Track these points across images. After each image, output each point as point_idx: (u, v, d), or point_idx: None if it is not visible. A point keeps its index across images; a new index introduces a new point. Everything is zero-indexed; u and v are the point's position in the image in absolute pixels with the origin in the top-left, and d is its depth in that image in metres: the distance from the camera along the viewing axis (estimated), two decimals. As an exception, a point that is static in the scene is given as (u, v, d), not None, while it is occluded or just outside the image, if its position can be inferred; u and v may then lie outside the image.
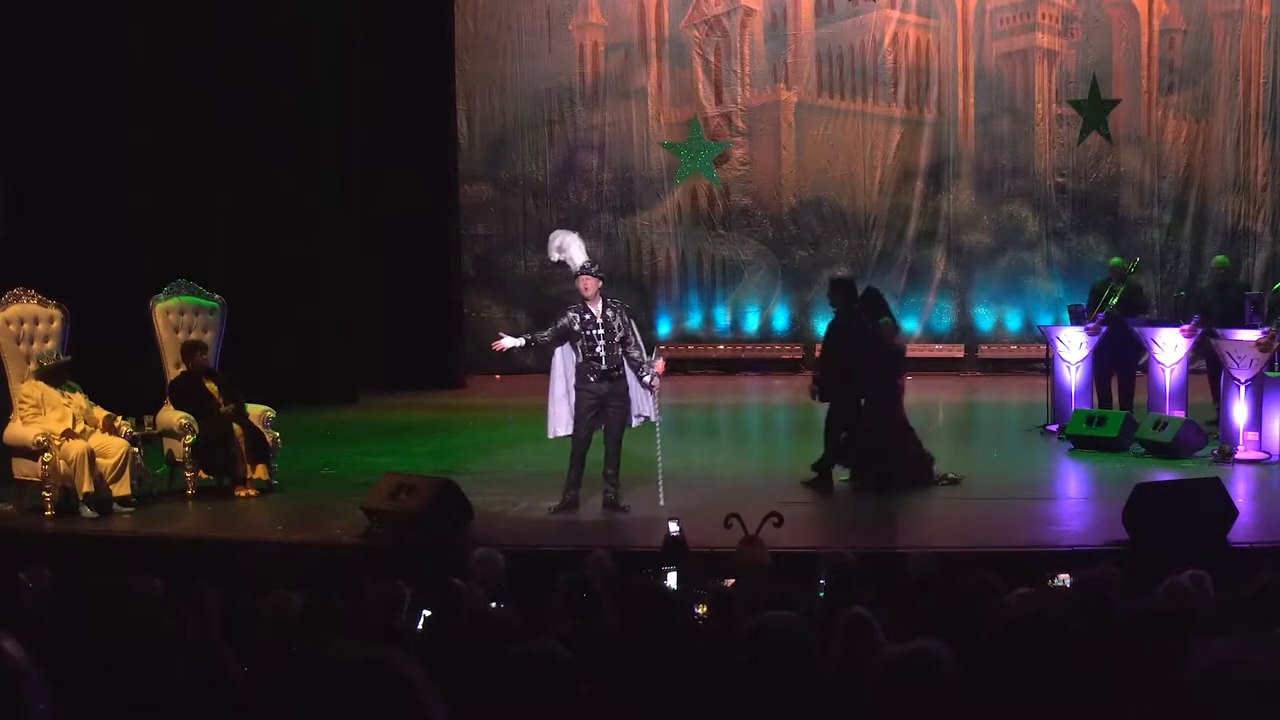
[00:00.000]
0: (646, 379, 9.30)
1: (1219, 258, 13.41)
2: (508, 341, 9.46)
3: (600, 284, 9.28)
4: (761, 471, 11.32)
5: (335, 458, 11.60)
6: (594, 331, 9.17)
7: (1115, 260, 13.27)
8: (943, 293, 17.37)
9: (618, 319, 9.22)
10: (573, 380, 9.37)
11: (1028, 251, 17.23)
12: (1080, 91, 16.95)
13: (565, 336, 9.30)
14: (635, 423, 9.46)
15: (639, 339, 9.46)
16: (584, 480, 9.35)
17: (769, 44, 17.34)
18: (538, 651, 3.09)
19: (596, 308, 9.22)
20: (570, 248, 9.47)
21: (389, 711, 2.27)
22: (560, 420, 9.49)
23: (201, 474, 10.14)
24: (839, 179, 17.36)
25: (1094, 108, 16.90)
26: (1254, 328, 11.22)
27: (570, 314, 9.29)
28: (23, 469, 9.66)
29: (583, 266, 9.30)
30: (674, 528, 8.47)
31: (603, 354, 9.15)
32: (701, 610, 5.40)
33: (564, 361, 9.48)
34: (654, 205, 17.53)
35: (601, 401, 9.22)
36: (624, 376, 9.29)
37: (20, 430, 9.62)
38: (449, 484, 8.88)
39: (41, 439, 9.43)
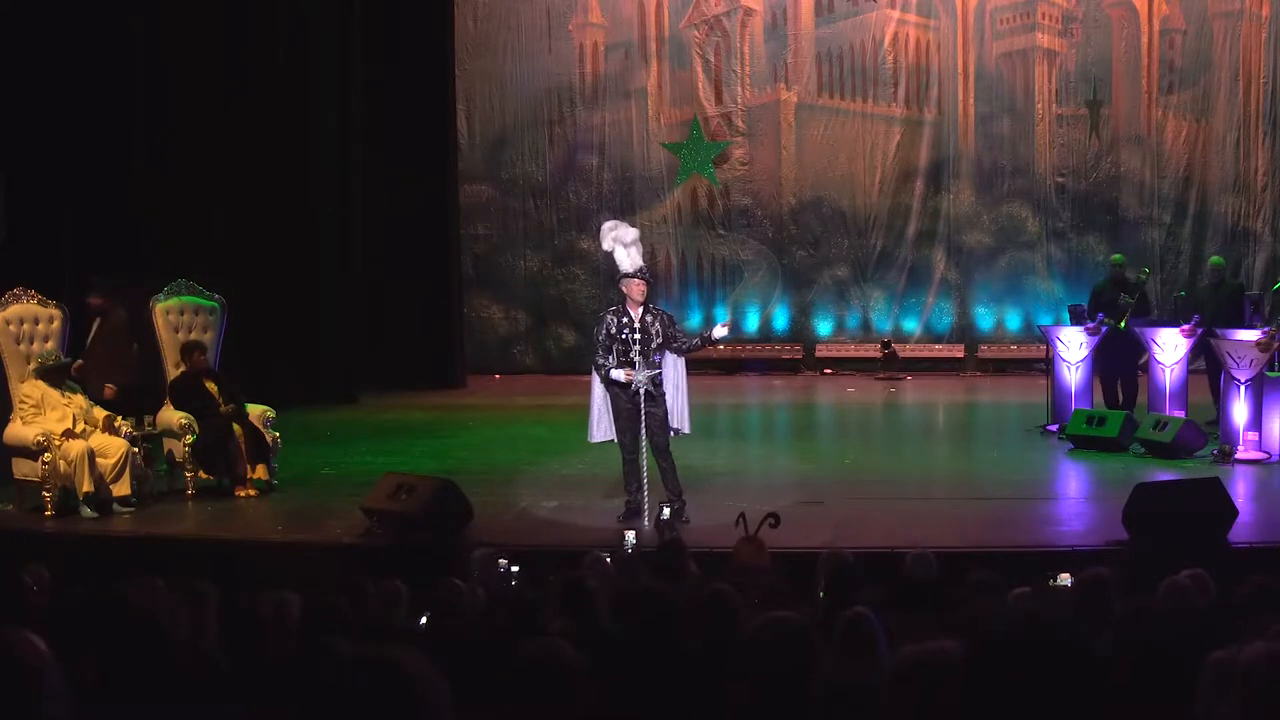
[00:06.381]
0: (715, 331, 9.07)
1: (1214, 258, 13.42)
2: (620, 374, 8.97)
3: (646, 289, 9.02)
4: (761, 472, 11.32)
5: (335, 458, 11.61)
6: (630, 336, 8.88)
7: (1116, 257, 13.29)
8: (943, 293, 17.38)
9: (656, 325, 8.95)
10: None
11: (1028, 251, 17.24)
12: (1080, 91, 16.98)
13: (612, 343, 8.98)
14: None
15: (684, 333, 9.22)
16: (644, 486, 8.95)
17: (769, 44, 17.34)
18: (544, 651, 3.09)
19: (636, 313, 8.93)
20: (628, 244, 9.10)
21: (397, 709, 2.28)
22: (599, 425, 9.27)
23: (201, 474, 10.14)
24: (839, 179, 17.37)
25: (1091, 107, 16.97)
26: (1254, 328, 11.22)
27: (608, 318, 9.03)
28: (23, 469, 9.66)
29: (639, 270, 9.03)
30: (665, 512, 8.52)
31: (637, 360, 8.85)
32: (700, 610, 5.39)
33: None
34: (654, 205, 17.53)
35: (636, 406, 8.91)
36: (660, 384, 8.99)
37: (20, 430, 9.61)
38: (449, 484, 8.87)
39: (41, 439, 9.43)
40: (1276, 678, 2.47)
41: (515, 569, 6.83)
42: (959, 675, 2.85)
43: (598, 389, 9.22)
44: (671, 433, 9.14)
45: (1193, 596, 5.23)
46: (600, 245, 9.51)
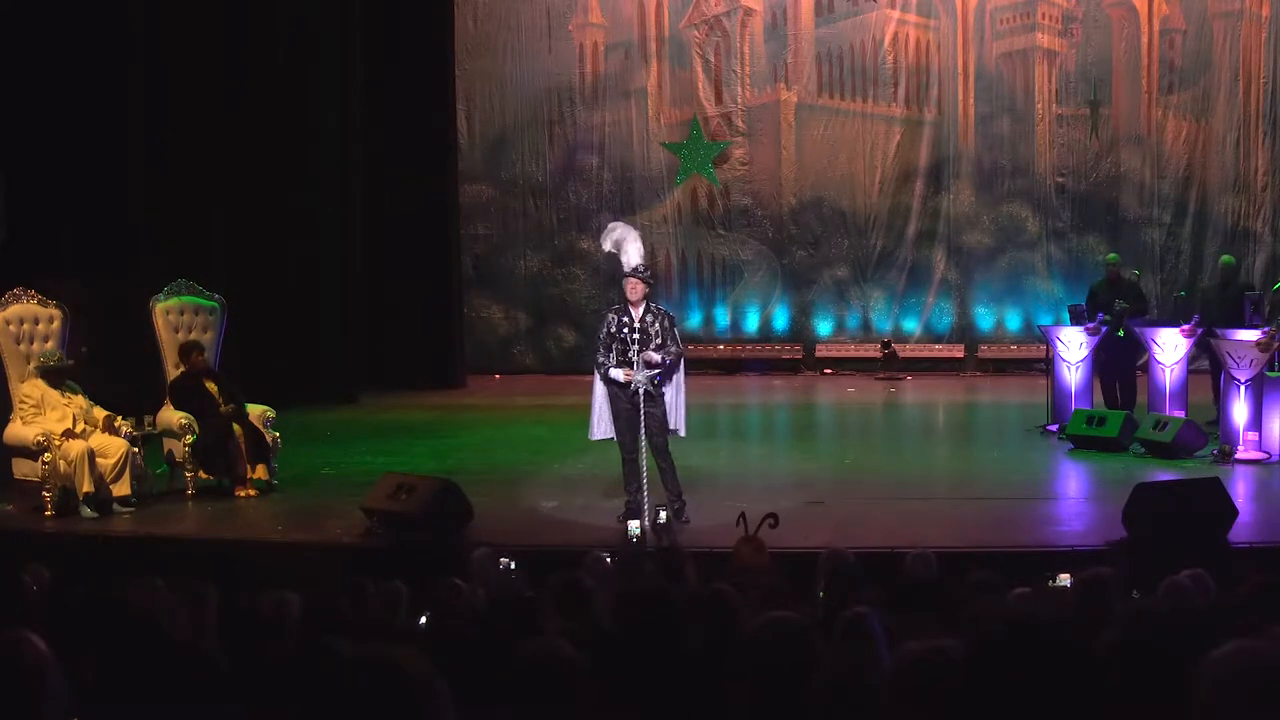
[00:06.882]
0: (652, 357, 8.86)
1: (1225, 257, 13.40)
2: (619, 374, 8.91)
3: (647, 289, 8.96)
4: (761, 472, 11.31)
5: (335, 458, 11.61)
6: (629, 335, 8.85)
7: (1111, 256, 13.30)
8: (943, 293, 17.38)
9: (656, 325, 8.90)
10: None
11: (1028, 251, 17.24)
12: (1080, 91, 16.99)
13: (612, 341, 8.94)
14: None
15: (677, 343, 9.09)
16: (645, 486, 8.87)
17: (769, 44, 17.34)
18: (544, 651, 3.09)
19: (637, 312, 8.89)
20: (627, 244, 9.04)
21: (397, 709, 2.28)
22: (600, 423, 9.21)
23: (201, 474, 10.14)
24: (839, 179, 17.37)
25: (1091, 107, 16.98)
26: (1254, 328, 11.22)
27: (609, 317, 9.02)
28: (23, 469, 9.66)
29: (634, 269, 8.93)
30: (662, 516, 8.53)
31: (636, 359, 8.81)
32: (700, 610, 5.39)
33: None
34: (654, 205, 17.54)
35: (635, 406, 8.87)
36: (659, 384, 8.94)
37: (20, 430, 9.62)
38: (449, 484, 8.87)
39: (41, 439, 9.43)
40: (1276, 678, 2.47)
41: (515, 568, 6.83)
42: (959, 675, 2.85)
43: (599, 387, 9.20)
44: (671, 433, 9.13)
45: (1193, 596, 5.23)
46: (601, 246, 9.53)
